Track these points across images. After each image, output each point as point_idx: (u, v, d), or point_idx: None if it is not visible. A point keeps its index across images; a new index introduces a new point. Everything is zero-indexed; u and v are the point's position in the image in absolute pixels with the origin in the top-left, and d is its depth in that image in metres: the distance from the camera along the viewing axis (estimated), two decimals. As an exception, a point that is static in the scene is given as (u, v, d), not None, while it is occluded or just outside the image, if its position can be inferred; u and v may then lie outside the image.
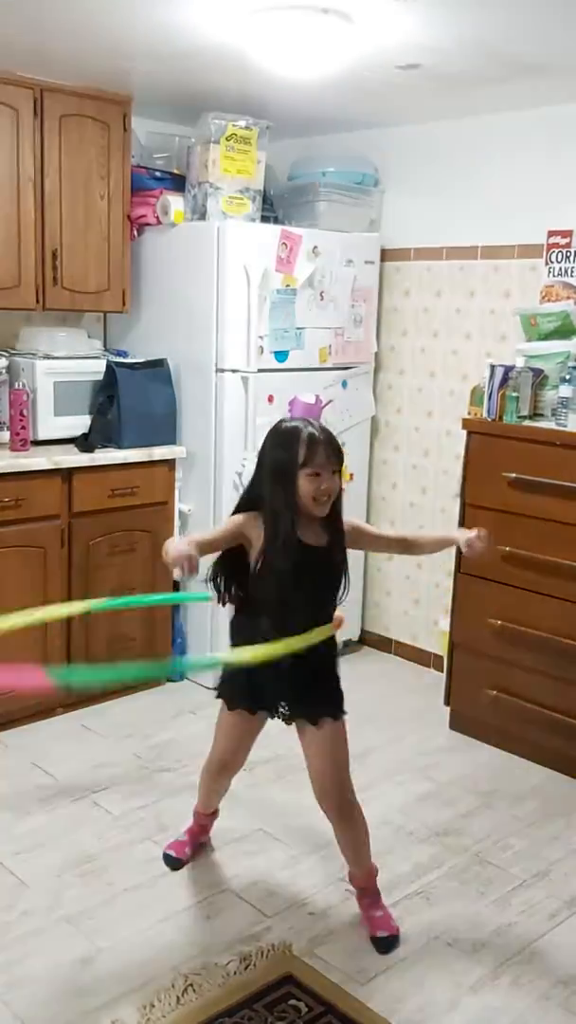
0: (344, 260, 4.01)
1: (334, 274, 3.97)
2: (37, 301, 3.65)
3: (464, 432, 3.51)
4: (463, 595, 3.54)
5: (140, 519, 3.81)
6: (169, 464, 3.86)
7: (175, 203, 3.82)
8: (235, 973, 2.30)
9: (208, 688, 3.93)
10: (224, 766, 2.62)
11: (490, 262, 3.89)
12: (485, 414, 3.48)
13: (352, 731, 2.46)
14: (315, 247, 3.88)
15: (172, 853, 2.74)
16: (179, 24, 2.81)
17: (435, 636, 4.18)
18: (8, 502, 3.41)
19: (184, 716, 3.70)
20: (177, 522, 3.94)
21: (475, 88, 3.41)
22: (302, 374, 3.96)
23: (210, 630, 3.95)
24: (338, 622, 2.41)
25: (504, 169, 3.79)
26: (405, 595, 4.40)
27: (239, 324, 3.70)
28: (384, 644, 4.51)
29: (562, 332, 3.53)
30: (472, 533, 2.44)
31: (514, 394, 3.37)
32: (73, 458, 3.58)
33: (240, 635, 2.41)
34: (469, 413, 3.60)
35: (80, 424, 3.75)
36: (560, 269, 3.63)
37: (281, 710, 2.44)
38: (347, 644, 4.40)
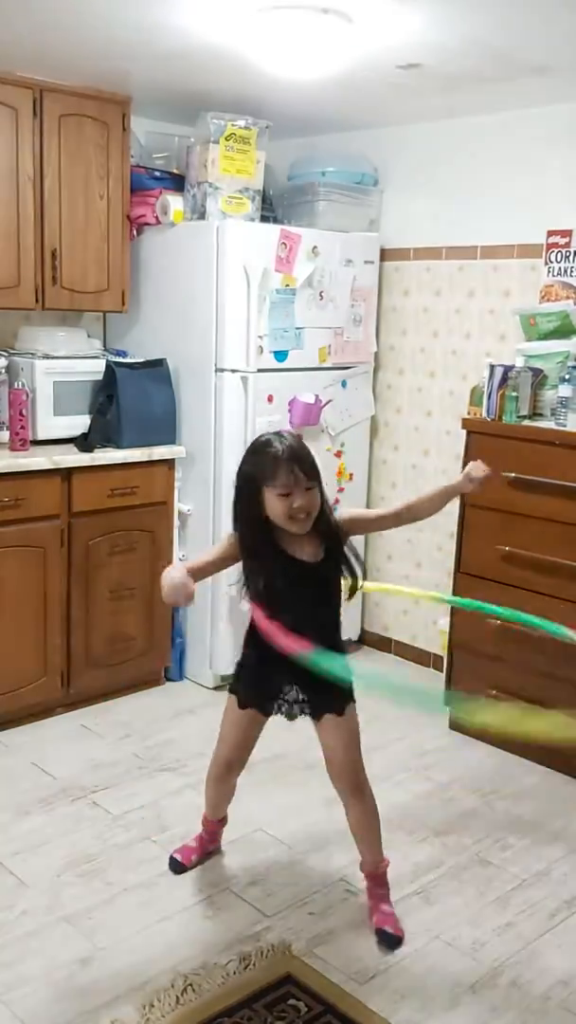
0: (343, 260, 4.01)
1: (333, 274, 3.97)
2: (36, 301, 3.64)
3: (464, 432, 3.51)
4: (462, 594, 3.54)
5: (140, 519, 3.80)
6: (169, 464, 3.86)
7: (174, 203, 3.82)
8: (235, 973, 2.30)
9: (208, 688, 3.95)
10: (230, 764, 2.62)
11: (490, 262, 3.89)
12: (485, 414, 3.48)
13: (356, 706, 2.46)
14: (314, 247, 3.87)
15: (178, 858, 2.74)
16: (178, 24, 2.81)
17: (435, 635, 4.18)
18: (8, 502, 3.41)
19: (184, 716, 3.70)
20: (176, 522, 3.94)
21: (475, 88, 3.41)
22: (302, 374, 3.96)
23: (210, 630, 3.95)
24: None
25: (504, 169, 3.79)
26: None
27: (238, 324, 3.70)
28: (384, 644, 4.51)
29: (561, 332, 3.53)
30: (468, 469, 2.41)
31: (514, 394, 3.37)
32: (73, 458, 3.57)
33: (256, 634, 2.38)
34: (469, 413, 3.60)
35: (80, 424, 3.75)
36: (559, 269, 3.63)
37: (297, 706, 2.45)
38: (347, 644, 4.39)
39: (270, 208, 4.10)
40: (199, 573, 2.32)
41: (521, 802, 3.17)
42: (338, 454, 4.19)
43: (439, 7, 2.55)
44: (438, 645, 4.05)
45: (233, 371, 3.74)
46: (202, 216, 3.76)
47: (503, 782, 3.30)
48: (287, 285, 3.82)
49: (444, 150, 3.98)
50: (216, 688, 3.93)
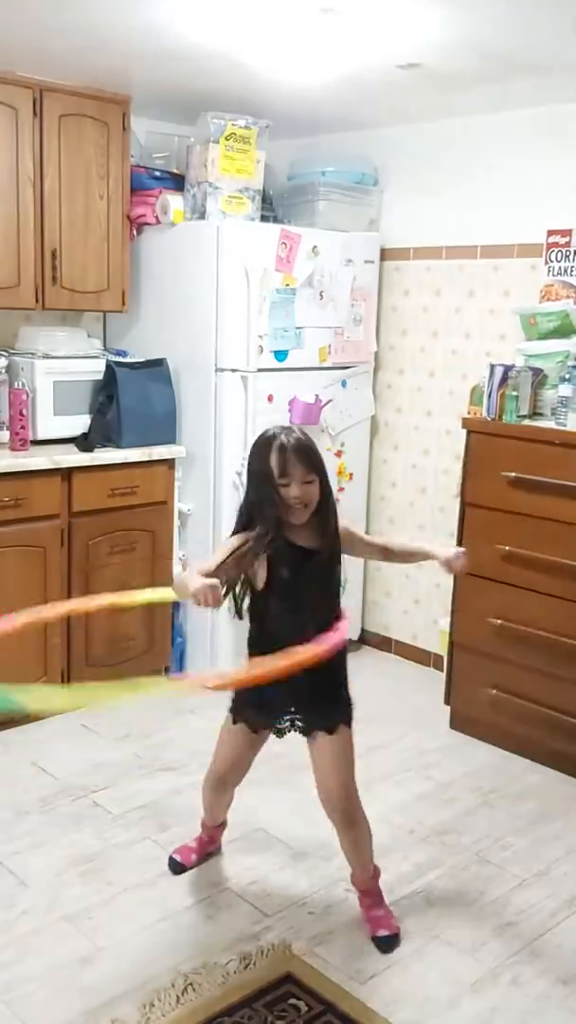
0: (343, 259, 4.01)
1: (333, 273, 3.97)
2: (37, 301, 3.65)
3: (464, 431, 3.51)
4: (463, 594, 3.54)
5: (140, 519, 3.81)
6: (169, 464, 3.86)
7: (174, 202, 3.82)
8: (235, 972, 2.30)
9: (208, 688, 3.94)
10: (224, 780, 2.61)
11: (489, 261, 3.89)
12: (485, 413, 3.48)
13: (353, 730, 2.45)
14: (314, 246, 3.88)
15: (178, 858, 2.74)
16: (178, 25, 2.81)
17: (435, 635, 4.18)
18: (8, 502, 3.41)
19: (184, 716, 3.70)
20: (177, 522, 3.94)
21: (475, 88, 3.41)
22: (302, 373, 3.96)
23: (210, 630, 3.95)
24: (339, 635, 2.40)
25: (504, 168, 3.79)
26: (405, 594, 4.40)
27: (239, 323, 3.70)
28: (384, 643, 4.51)
29: (561, 331, 3.53)
30: (451, 552, 2.42)
31: (514, 393, 3.37)
32: (73, 457, 3.58)
33: (256, 647, 2.40)
34: (469, 412, 3.60)
35: (80, 424, 3.75)
36: (559, 268, 3.63)
37: (289, 723, 2.44)
38: (347, 644, 4.40)
39: (270, 208, 4.10)
40: (212, 576, 2.30)
41: (521, 802, 3.17)
42: (338, 454, 4.19)
43: (439, 7, 2.56)
44: (439, 645, 4.05)
45: (233, 371, 3.74)
46: (202, 216, 3.76)
47: (503, 782, 3.30)
48: (287, 285, 3.82)
49: (444, 150, 3.98)
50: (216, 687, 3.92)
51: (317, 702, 2.40)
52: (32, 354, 3.72)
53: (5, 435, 3.59)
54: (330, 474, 4.23)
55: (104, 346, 4.14)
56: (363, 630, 4.55)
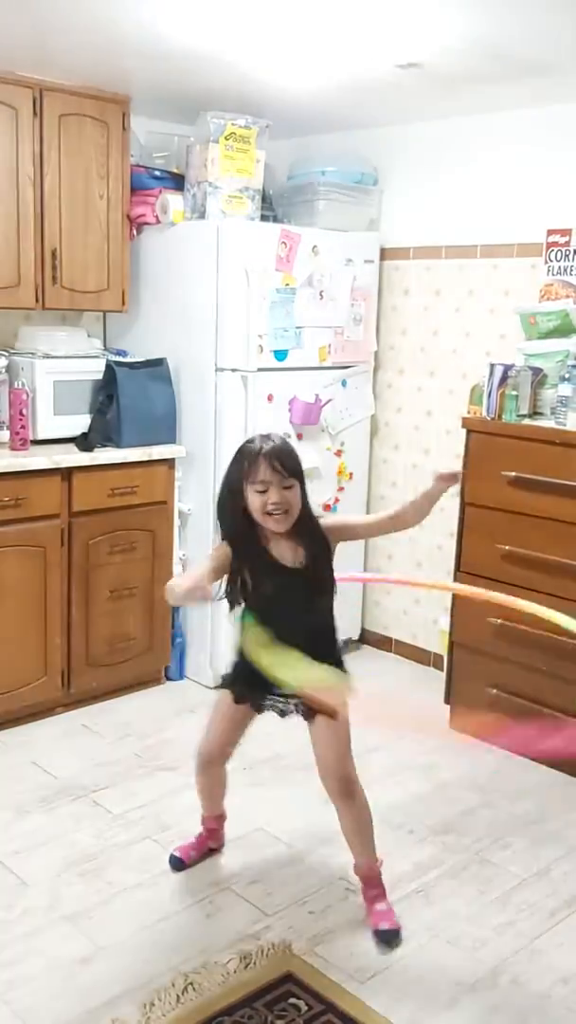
0: (343, 259, 4.01)
1: (333, 273, 3.97)
2: (36, 300, 3.65)
3: (464, 431, 3.51)
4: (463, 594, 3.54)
5: (140, 518, 3.81)
6: (169, 463, 3.86)
7: (174, 202, 3.82)
8: (235, 972, 2.30)
9: (208, 687, 3.94)
10: (209, 759, 2.63)
11: (489, 261, 3.89)
12: (485, 413, 3.48)
13: (352, 730, 2.46)
14: (314, 246, 3.88)
15: (178, 855, 2.74)
16: (177, 25, 2.81)
17: (435, 635, 4.18)
18: (8, 501, 3.41)
19: (184, 715, 3.70)
20: (177, 521, 3.94)
21: (475, 87, 3.41)
22: (301, 373, 3.96)
23: (210, 630, 3.95)
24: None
25: (503, 168, 3.79)
26: (405, 594, 4.40)
27: (238, 323, 3.70)
28: (384, 643, 4.51)
29: (561, 331, 3.53)
30: (436, 471, 2.37)
31: (513, 393, 3.38)
32: (73, 457, 3.58)
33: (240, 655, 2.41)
34: (469, 412, 3.60)
35: (80, 423, 3.75)
36: (559, 268, 3.63)
37: (285, 700, 2.44)
38: (347, 643, 4.40)
39: (270, 207, 4.10)
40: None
41: (521, 801, 3.17)
42: (338, 453, 4.19)
43: (439, 7, 2.56)
44: (438, 644, 4.05)
45: (233, 370, 3.74)
46: (202, 215, 3.76)
47: (503, 781, 3.30)
48: (287, 284, 3.82)
49: (444, 150, 3.98)
50: (217, 687, 3.92)
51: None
52: (32, 354, 3.72)
53: (5, 435, 3.59)
54: (330, 474, 4.26)
55: (104, 346, 4.14)
56: (363, 630, 4.55)
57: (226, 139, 3.69)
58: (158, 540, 3.87)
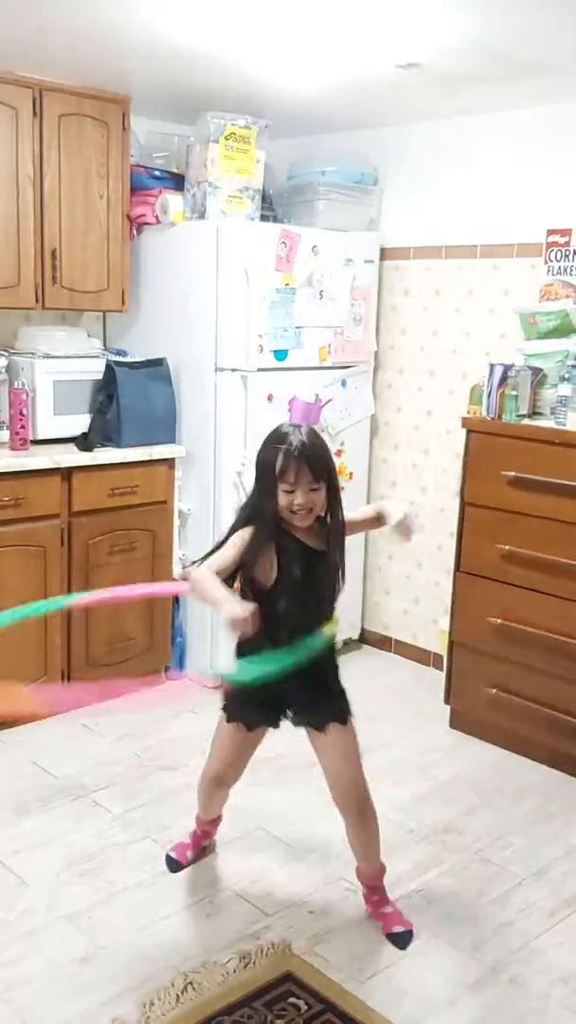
0: (343, 259, 4.01)
1: (333, 273, 3.97)
2: (36, 300, 3.65)
3: (464, 431, 3.51)
4: (462, 594, 3.54)
5: (140, 518, 3.81)
6: (169, 463, 3.87)
7: (174, 202, 3.82)
8: (235, 971, 2.30)
9: (208, 687, 3.94)
10: (220, 780, 2.61)
11: (489, 261, 3.89)
12: (484, 413, 3.48)
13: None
14: (314, 246, 3.88)
15: (174, 855, 2.74)
16: (177, 25, 2.81)
17: (435, 635, 4.18)
18: (8, 501, 3.41)
19: (184, 715, 3.70)
20: (177, 521, 3.94)
21: (475, 87, 3.41)
22: (301, 373, 3.96)
23: (211, 630, 3.95)
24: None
25: (503, 168, 3.79)
26: (405, 594, 4.40)
27: (238, 323, 3.70)
28: (384, 643, 4.51)
29: (561, 331, 3.53)
30: (401, 514, 2.35)
31: (513, 393, 3.38)
32: (73, 457, 3.58)
33: (248, 644, 2.35)
34: (468, 412, 3.60)
35: (80, 423, 3.75)
36: (559, 268, 3.63)
37: (288, 716, 2.44)
38: (347, 643, 4.40)
39: (270, 207, 4.10)
40: (223, 573, 2.27)
41: (521, 801, 3.18)
42: (338, 453, 4.19)
43: (439, 7, 2.56)
44: (438, 644, 4.05)
45: (233, 370, 3.74)
46: (202, 215, 3.76)
47: (503, 781, 3.30)
48: (287, 284, 3.82)
49: (444, 150, 3.98)
50: (217, 687, 3.93)
51: (308, 700, 2.39)
52: (32, 354, 3.72)
53: (5, 435, 3.59)
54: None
55: (104, 346, 4.14)
56: (363, 629, 4.55)
57: (226, 139, 3.69)
58: (158, 540, 3.87)
